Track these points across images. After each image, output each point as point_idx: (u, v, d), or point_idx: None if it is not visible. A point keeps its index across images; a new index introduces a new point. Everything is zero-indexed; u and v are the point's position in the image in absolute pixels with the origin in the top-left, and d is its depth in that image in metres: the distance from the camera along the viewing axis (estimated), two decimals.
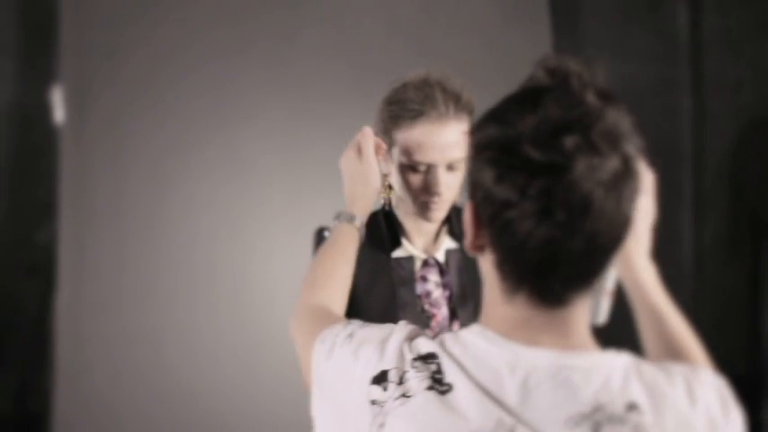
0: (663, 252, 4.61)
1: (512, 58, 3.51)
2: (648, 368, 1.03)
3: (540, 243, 0.97)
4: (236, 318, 3.56)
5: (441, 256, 1.91)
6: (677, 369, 1.04)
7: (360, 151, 1.76)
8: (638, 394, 0.99)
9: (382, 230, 1.88)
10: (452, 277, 1.89)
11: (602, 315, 1.64)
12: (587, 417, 0.98)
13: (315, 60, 3.62)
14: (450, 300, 1.88)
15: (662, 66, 4.12)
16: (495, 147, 0.98)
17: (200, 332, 3.55)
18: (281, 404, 3.47)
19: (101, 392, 3.47)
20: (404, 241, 1.89)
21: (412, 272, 1.87)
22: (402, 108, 1.76)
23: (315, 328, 1.27)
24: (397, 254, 1.88)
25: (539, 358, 1.01)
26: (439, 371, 1.03)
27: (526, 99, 0.99)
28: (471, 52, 3.52)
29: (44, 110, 3.69)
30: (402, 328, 1.14)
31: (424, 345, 1.07)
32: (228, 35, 3.60)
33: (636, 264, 1.21)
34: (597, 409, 0.98)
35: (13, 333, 3.78)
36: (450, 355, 1.04)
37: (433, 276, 1.89)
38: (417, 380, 1.04)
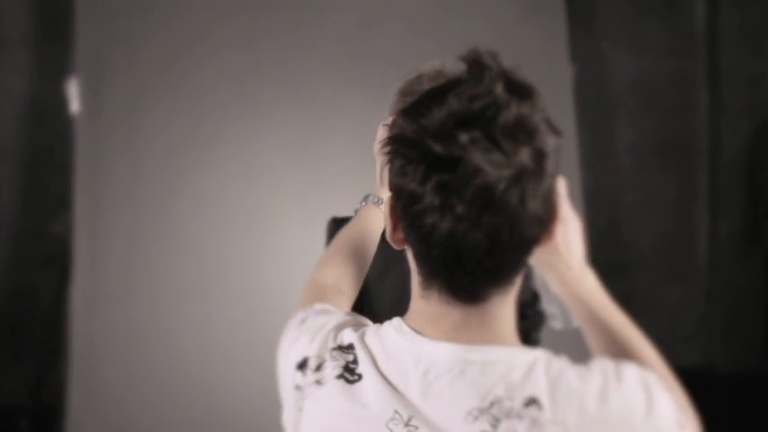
0: (678, 248, 4.61)
1: (528, 52, 3.49)
2: (559, 364, 1.00)
3: (444, 237, 0.95)
4: (249, 310, 3.56)
5: None
6: (598, 366, 1.02)
7: None
8: (538, 390, 0.98)
9: None
10: None
11: (574, 319, 1.64)
12: (485, 411, 0.97)
13: (328, 54, 3.62)
14: None
15: (678, 60, 4.10)
16: (402, 140, 0.98)
17: (212, 325, 3.55)
18: None
19: (114, 384, 3.49)
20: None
21: None
22: None
23: (302, 304, 1.29)
24: None
25: (439, 352, 1.02)
26: (354, 361, 1.06)
27: (438, 93, 0.98)
28: (487, 46, 3.51)
29: (59, 102, 3.71)
30: (337, 318, 1.16)
31: (347, 336, 1.09)
32: (241, 28, 3.60)
33: (568, 276, 1.15)
34: (494, 403, 0.97)
35: (27, 325, 3.80)
36: (366, 347, 1.06)
37: None
38: (331, 368, 1.07)
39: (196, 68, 3.57)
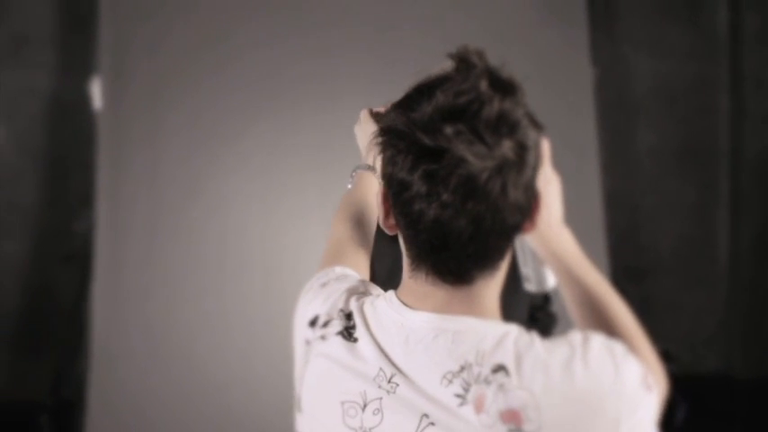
0: (698, 252, 4.59)
1: (549, 55, 3.49)
2: (529, 337, 1.07)
3: (431, 223, 1.03)
4: (267, 312, 3.56)
5: None
6: (565, 338, 1.07)
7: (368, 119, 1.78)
8: (506, 358, 1.04)
9: None
10: None
11: (549, 281, 1.67)
12: (456, 375, 1.05)
13: (350, 55, 3.62)
14: None
15: (700, 64, 4.09)
16: (393, 131, 1.05)
17: (230, 325, 3.56)
18: None
19: (133, 381, 3.50)
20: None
21: None
22: None
23: (323, 265, 1.39)
24: None
25: (418, 320, 1.10)
26: (353, 327, 1.16)
27: (428, 88, 1.04)
28: (508, 50, 3.51)
29: (82, 101, 3.74)
30: (349, 283, 1.26)
31: (351, 304, 1.19)
32: (264, 28, 3.61)
33: (547, 234, 1.23)
34: (464, 368, 1.05)
35: (48, 321, 3.84)
36: (363, 315, 1.16)
37: None
38: (334, 326, 1.18)
39: (218, 68, 3.59)
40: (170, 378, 3.51)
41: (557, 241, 1.23)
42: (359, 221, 1.53)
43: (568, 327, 1.24)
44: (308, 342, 1.20)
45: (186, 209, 3.58)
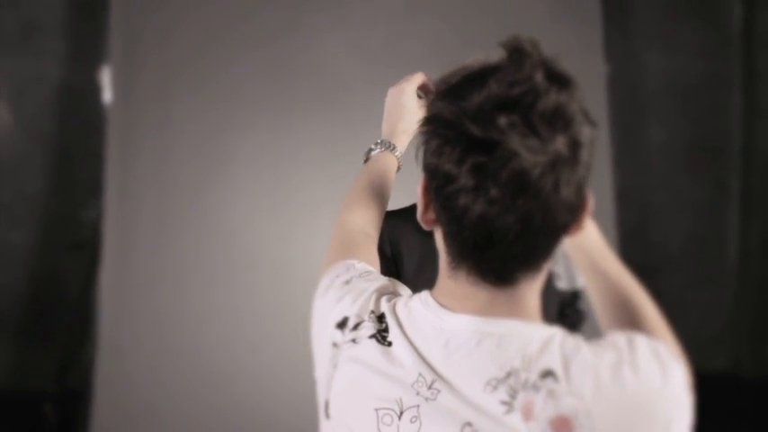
0: (708, 250, 4.57)
1: (561, 50, 3.47)
2: (574, 341, 1.02)
3: (476, 219, 0.98)
4: (276, 304, 3.55)
5: None
6: (609, 341, 1.03)
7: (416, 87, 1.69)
8: (554, 362, 0.99)
9: None
10: None
11: (579, 278, 1.64)
12: (502, 381, 0.99)
13: (361, 49, 3.61)
14: None
15: (712, 61, 4.07)
16: (440, 121, 1.00)
17: (239, 316, 3.56)
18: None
19: (140, 371, 3.50)
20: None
21: None
22: None
23: (337, 254, 1.33)
24: None
25: (459, 324, 1.05)
26: (386, 329, 1.10)
27: (477, 77, 1.00)
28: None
29: (92, 90, 3.74)
30: (379, 283, 1.20)
31: (382, 305, 1.14)
32: (275, 20, 3.60)
33: None
34: (511, 374, 1.00)
35: (55, 310, 3.84)
36: (396, 317, 1.11)
37: None
38: (366, 329, 1.11)
39: (229, 59, 3.57)
40: (177, 369, 3.51)
41: (583, 235, 1.16)
42: (371, 210, 1.47)
43: (597, 324, 1.22)
44: (335, 345, 1.14)
45: (196, 199, 3.57)
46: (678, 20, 4.03)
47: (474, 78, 1.00)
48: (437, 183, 1.01)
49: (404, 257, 1.73)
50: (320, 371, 1.17)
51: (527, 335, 1.02)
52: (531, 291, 1.06)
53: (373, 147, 1.65)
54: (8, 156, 3.80)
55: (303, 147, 3.59)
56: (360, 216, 1.45)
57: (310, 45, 3.60)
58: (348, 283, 1.21)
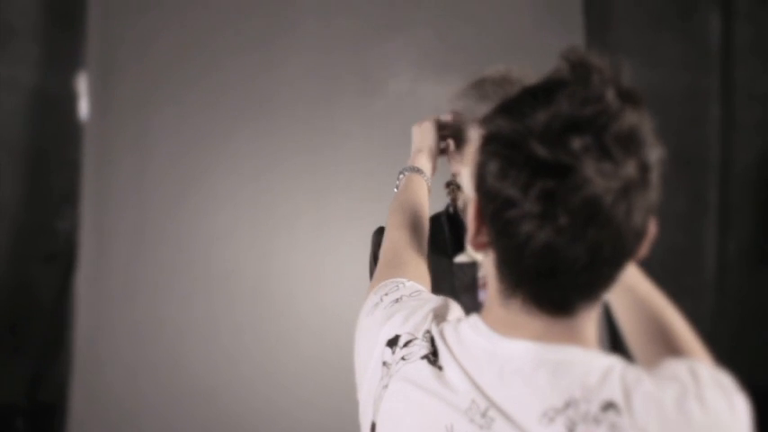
0: (686, 262, 4.59)
1: (544, 64, 3.46)
2: (635, 371, 0.96)
3: (540, 248, 0.91)
4: (255, 315, 3.52)
5: None
6: (670, 373, 0.97)
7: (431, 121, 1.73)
8: (615, 394, 0.93)
9: (445, 234, 1.80)
10: None
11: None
12: (560, 412, 0.93)
13: (343, 58, 3.58)
14: None
15: (691, 74, 4.09)
16: (502, 140, 0.93)
17: (217, 328, 3.51)
18: (296, 404, 3.45)
19: (117, 384, 3.44)
20: (468, 246, 1.80)
21: (474, 278, 1.78)
22: (479, 105, 1.65)
23: (384, 272, 1.29)
24: (459, 259, 1.79)
25: (515, 349, 0.98)
26: (435, 353, 1.04)
27: (541, 92, 0.93)
28: (503, 58, 3.48)
29: (68, 97, 3.67)
30: (435, 303, 1.14)
31: (434, 328, 1.08)
32: (255, 28, 3.56)
33: None
34: (569, 404, 0.93)
35: (29, 321, 3.76)
36: (445, 342, 1.04)
37: None
38: (418, 347, 1.06)
39: (208, 68, 3.53)
40: (155, 381, 3.46)
41: None
42: (414, 228, 1.44)
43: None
44: (385, 364, 1.08)
45: (175, 210, 3.52)
46: (657, 33, 4.05)
47: (538, 93, 0.93)
48: (495, 206, 0.94)
49: None
50: (366, 392, 1.12)
51: (587, 363, 0.96)
52: (589, 319, 0.99)
53: (399, 176, 1.64)
54: None
55: (284, 158, 3.56)
56: (405, 233, 1.42)
57: (292, 54, 3.57)
58: (398, 302, 1.17)
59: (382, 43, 3.58)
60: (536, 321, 0.98)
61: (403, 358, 1.06)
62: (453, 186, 1.79)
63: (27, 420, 3.66)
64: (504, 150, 0.92)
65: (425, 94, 3.44)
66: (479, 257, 1.79)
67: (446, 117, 1.74)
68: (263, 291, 3.53)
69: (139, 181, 3.51)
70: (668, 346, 1.09)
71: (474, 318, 1.05)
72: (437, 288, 1.72)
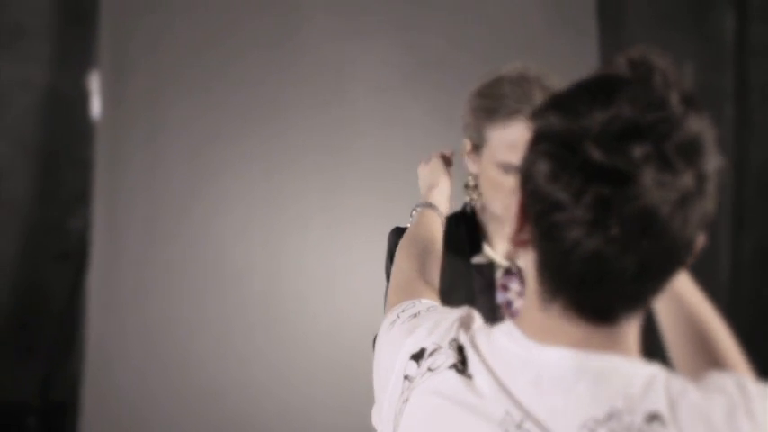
0: (700, 263, 4.55)
1: (557, 63, 3.44)
2: (679, 381, 0.92)
3: (587, 256, 0.86)
4: (266, 316, 3.51)
5: (524, 265, 1.78)
6: (716, 382, 0.93)
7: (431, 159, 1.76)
8: (660, 404, 0.89)
9: (462, 234, 1.77)
10: None
11: None
12: (602, 423, 0.89)
13: (356, 56, 3.57)
14: None
15: (705, 73, 4.07)
16: (555, 139, 0.87)
17: (229, 327, 3.50)
18: (308, 404, 3.44)
19: (128, 383, 3.44)
20: (485, 247, 1.77)
21: (492, 279, 1.75)
22: (497, 104, 1.63)
23: (397, 298, 1.25)
24: (477, 260, 1.77)
25: (554, 357, 0.93)
26: (464, 362, 0.99)
27: (599, 91, 0.87)
28: (517, 58, 3.46)
29: (80, 96, 3.67)
30: (459, 312, 1.09)
31: (462, 336, 1.03)
32: (267, 27, 3.55)
33: None
34: (612, 415, 0.89)
35: (41, 320, 3.76)
36: (476, 349, 0.99)
37: (515, 285, 1.75)
38: (445, 357, 1.01)
39: (220, 66, 3.52)
40: (167, 381, 3.45)
41: None
42: (425, 261, 1.40)
43: None
44: (408, 378, 1.04)
45: (186, 208, 3.52)
46: (671, 32, 4.02)
47: (595, 92, 0.87)
48: (542, 207, 0.89)
49: None
50: (386, 410, 1.07)
51: (630, 372, 0.91)
52: (631, 328, 0.94)
53: (412, 213, 1.64)
54: None
55: (296, 157, 3.55)
56: (417, 264, 1.38)
57: (305, 53, 3.56)
58: (417, 316, 1.12)
59: (394, 44, 3.56)
60: (576, 328, 0.93)
61: (429, 369, 1.02)
62: (471, 187, 1.77)
63: (39, 419, 3.66)
64: (556, 150, 0.87)
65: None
66: (498, 259, 1.79)
67: (448, 152, 1.77)
68: (274, 290, 3.52)
69: (151, 180, 3.51)
70: (711, 358, 1.06)
71: (508, 324, 1.00)
72: (454, 289, 1.71)
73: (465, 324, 1.06)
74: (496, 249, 1.78)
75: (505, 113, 1.62)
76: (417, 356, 1.04)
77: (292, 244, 3.52)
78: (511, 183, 1.64)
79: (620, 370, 0.92)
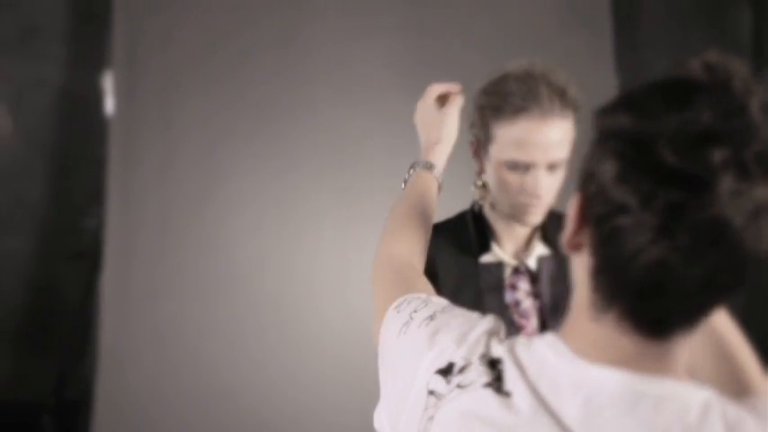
0: None
1: (572, 62, 3.42)
2: (735, 409, 0.88)
3: (650, 264, 0.81)
4: (279, 316, 3.50)
5: (532, 264, 1.75)
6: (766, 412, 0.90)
7: (434, 98, 1.65)
8: None
9: (470, 233, 1.76)
10: (544, 286, 1.72)
11: None
12: None
13: (368, 55, 3.56)
14: (541, 311, 1.72)
15: None
16: (626, 139, 0.83)
17: (241, 328, 3.50)
18: (321, 405, 3.42)
19: (141, 383, 3.44)
20: (493, 245, 1.75)
21: (501, 279, 1.73)
22: (503, 101, 1.62)
23: (393, 290, 1.21)
24: (485, 259, 1.74)
25: (606, 378, 0.88)
26: (499, 378, 0.94)
27: (675, 92, 0.83)
28: (531, 56, 3.44)
29: (94, 96, 3.68)
30: (487, 323, 1.04)
31: (495, 348, 0.97)
32: (280, 26, 3.55)
33: None
34: None
35: (55, 320, 3.77)
36: (517, 362, 0.94)
37: (524, 285, 1.74)
38: (476, 373, 0.95)
39: (233, 66, 3.52)
40: (179, 381, 3.45)
41: None
42: (420, 239, 1.38)
43: None
44: (433, 393, 0.98)
45: (199, 208, 3.51)
46: (687, 29, 4.00)
47: (669, 94, 0.84)
48: (605, 210, 0.84)
49: (439, 275, 1.66)
50: (404, 423, 1.02)
51: (684, 398, 0.87)
52: (682, 348, 0.90)
53: (410, 171, 1.57)
54: (7, 162, 3.74)
55: (308, 156, 3.54)
56: (404, 248, 1.34)
57: (317, 51, 3.55)
58: (433, 319, 1.07)
59: (406, 44, 3.55)
60: (628, 342, 0.88)
61: (459, 386, 0.96)
62: (479, 185, 1.76)
63: (53, 418, 3.67)
64: (625, 150, 0.83)
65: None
66: (506, 258, 1.76)
67: (455, 88, 1.67)
68: (287, 290, 3.51)
69: (164, 179, 3.51)
70: (737, 382, 1.04)
71: (551, 337, 0.95)
72: (462, 289, 1.70)
73: (495, 336, 1.01)
74: (505, 248, 1.76)
75: (512, 111, 1.61)
76: (445, 372, 0.99)
77: (305, 243, 3.51)
78: (518, 180, 1.64)
79: (676, 396, 0.88)
